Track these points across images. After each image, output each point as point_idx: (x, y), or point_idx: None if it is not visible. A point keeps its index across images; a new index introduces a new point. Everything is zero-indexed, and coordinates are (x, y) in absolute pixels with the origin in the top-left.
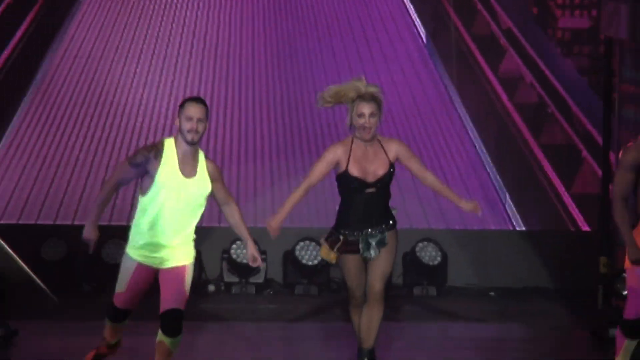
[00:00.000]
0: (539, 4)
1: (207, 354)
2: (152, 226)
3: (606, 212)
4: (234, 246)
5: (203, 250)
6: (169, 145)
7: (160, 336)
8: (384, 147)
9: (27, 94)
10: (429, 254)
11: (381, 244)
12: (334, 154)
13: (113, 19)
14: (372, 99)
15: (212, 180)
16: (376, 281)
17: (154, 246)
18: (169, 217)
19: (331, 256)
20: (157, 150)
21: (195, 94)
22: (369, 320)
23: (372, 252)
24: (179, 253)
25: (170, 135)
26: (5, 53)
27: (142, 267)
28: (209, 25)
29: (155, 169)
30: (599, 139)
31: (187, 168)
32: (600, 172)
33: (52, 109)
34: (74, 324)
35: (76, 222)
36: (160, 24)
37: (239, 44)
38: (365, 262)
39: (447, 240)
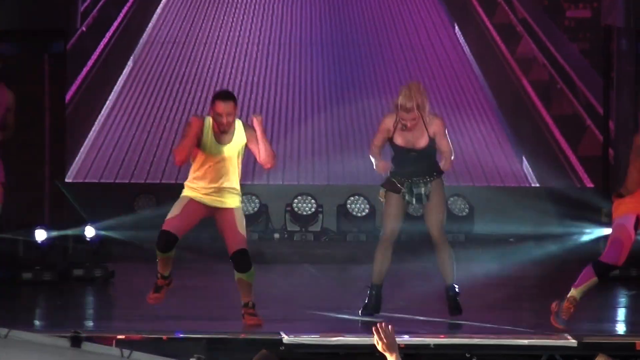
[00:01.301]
0: None
1: (273, 292)
2: (199, 175)
3: (606, 171)
4: (295, 200)
5: (269, 204)
6: (210, 122)
7: (237, 274)
8: (425, 122)
9: (124, 72)
10: (458, 207)
11: (426, 194)
12: (385, 124)
13: (196, 9)
14: (414, 95)
15: (248, 142)
16: (433, 230)
17: (203, 188)
18: (210, 171)
19: (380, 193)
20: (200, 122)
21: (258, 76)
22: (441, 260)
23: (412, 198)
24: (225, 199)
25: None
26: (105, 39)
27: (194, 201)
28: (277, 18)
29: (201, 134)
30: (600, 110)
31: (222, 138)
32: (601, 138)
33: (145, 85)
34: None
35: (163, 181)
36: (236, 13)
37: (302, 35)
38: (414, 207)
39: (474, 195)
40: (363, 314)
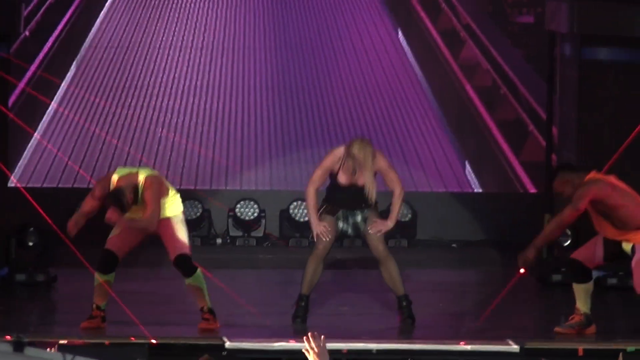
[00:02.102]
0: (493, 3)
1: (216, 297)
2: None
3: (549, 177)
4: (238, 205)
5: (212, 209)
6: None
7: (185, 280)
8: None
9: (67, 77)
10: (401, 212)
11: (363, 220)
12: (330, 162)
13: (139, 14)
14: (366, 150)
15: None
16: (377, 245)
17: None
18: None
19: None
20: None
21: (210, 77)
22: (389, 275)
23: (349, 228)
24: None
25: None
26: (51, 40)
27: None
28: (222, 19)
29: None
30: (543, 115)
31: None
32: (544, 143)
33: (88, 90)
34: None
35: None
36: (179, 18)
37: (245, 40)
38: (337, 232)
39: (417, 200)
40: (295, 323)
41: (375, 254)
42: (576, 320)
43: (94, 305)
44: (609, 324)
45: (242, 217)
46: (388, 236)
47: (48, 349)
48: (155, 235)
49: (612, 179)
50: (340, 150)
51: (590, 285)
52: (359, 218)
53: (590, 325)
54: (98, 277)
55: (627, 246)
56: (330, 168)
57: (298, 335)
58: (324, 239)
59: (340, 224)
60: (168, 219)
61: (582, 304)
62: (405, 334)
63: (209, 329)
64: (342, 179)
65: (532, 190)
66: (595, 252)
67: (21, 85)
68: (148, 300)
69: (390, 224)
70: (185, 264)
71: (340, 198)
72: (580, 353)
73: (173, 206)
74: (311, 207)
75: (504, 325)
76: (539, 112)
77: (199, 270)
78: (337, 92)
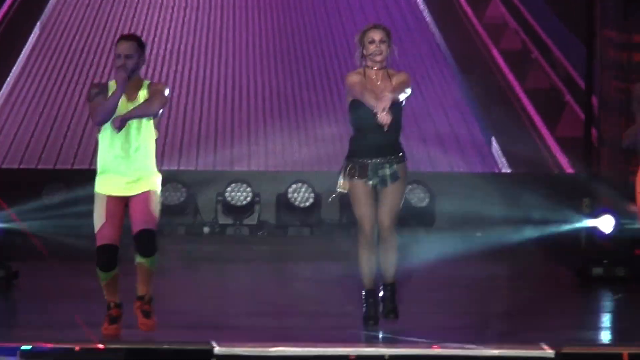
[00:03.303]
0: None
1: (202, 294)
2: (109, 149)
3: (589, 155)
4: (228, 189)
5: (198, 194)
6: (113, 83)
7: (137, 258)
8: (391, 78)
9: (29, 41)
10: (417, 196)
11: (391, 177)
12: (353, 79)
13: None
14: (382, 27)
15: (151, 94)
16: (384, 217)
17: (116, 171)
18: (121, 138)
19: (342, 184)
20: (103, 86)
21: (191, 39)
22: (385, 258)
23: (378, 181)
24: (141, 181)
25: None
26: (8, 2)
27: (111, 199)
28: None
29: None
30: (581, 83)
31: (129, 95)
32: (582, 116)
33: (53, 56)
34: (67, 266)
35: (75, 167)
36: None
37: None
38: (376, 192)
39: (436, 182)
40: (366, 329)
41: (380, 223)
42: None
43: (111, 304)
44: None
45: (233, 202)
46: (402, 223)
47: (8, 356)
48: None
49: None
50: (360, 70)
51: None
52: (387, 172)
53: None
54: (104, 276)
55: None
56: (356, 81)
57: (297, 339)
58: (359, 213)
59: (372, 181)
60: (148, 192)
61: None
62: (411, 337)
63: (150, 329)
64: (369, 98)
65: (569, 170)
66: None
67: None
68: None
69: (389, 95)
70: (150, 241)
71: (366, 138)
72: (626, 358)
73: (158, 180)
74: (360, 91)
75: (538, 327)
76: (577, 80)
77: (157, 254)
78: (342, 57)
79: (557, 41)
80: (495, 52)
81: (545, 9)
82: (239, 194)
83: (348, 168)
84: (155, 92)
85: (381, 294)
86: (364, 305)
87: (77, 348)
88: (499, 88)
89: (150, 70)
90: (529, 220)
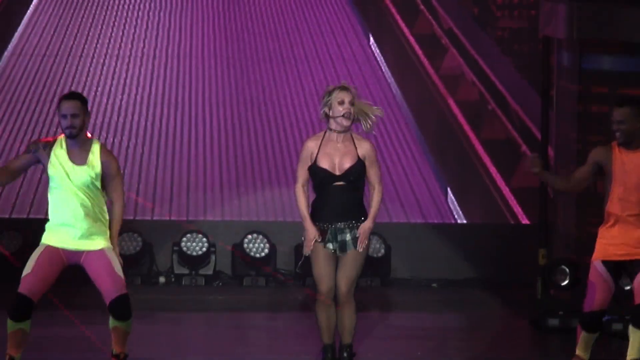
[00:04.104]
0: (479, 4)
1: (159, 343)
2: (56, 209)
3: (545, 205)
4: (184, 239)
5: (154, 243)
6: (60, 140)
7: (113, 322)
8: (355, 143)
9: None
10: (372, 247)
11: (352, 242)
12: (307, 149)
13: (67, 19)
14: (350, 89)
15: (104, 169)
16: (341, 283)
17: (63, 226)
18: (67, 201)
19: (305, 249)
20: (48, 144)
21: (148, 88)
22: (341, 321)
23: (337, 246)
24: (94, 238)
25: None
26: None
27: (50, 249)
28: (166, 24)
29: (46, 160)
30: (538, 134)
31: (77, 158)
32: None
33: (11, 104)
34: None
35: (31, 216)
36: (113, 23)
37: (195, 41)
38: (336, 256)
39: (392, 233)
40: None
41: (338, 289)
42: None
43: (7, 357)
44: None
45: (189, 252)
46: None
47: None
48: (73, 269)
49: None
50: (321, 133)
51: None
52: (347, 237)
53: None
54: (12, 325)
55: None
56: (310, 154)
57: None
58: (317, 274)
59: (330, 245)
60: (102, 251)
61: (586, 352)
62: None
63: None
64: (323, 162)
65: (525, 221)
66: (609, 288)
67: None
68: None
69: (369, 224)
70: (126, 306)
71: (325, 202)
72: None
73: (106, 236)
74: (303, 208)
75: None
76: (533, 131)
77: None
78: (298, 109)
79: (513, 93)
80: (451, 103)
81: (502, 61)
82: (195, 244)
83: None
84: (113, 175)
85: (340, 354)
86: (322, 358)
87: None
88: (455, 138)
89: (107, 119)
90: (485, 271)
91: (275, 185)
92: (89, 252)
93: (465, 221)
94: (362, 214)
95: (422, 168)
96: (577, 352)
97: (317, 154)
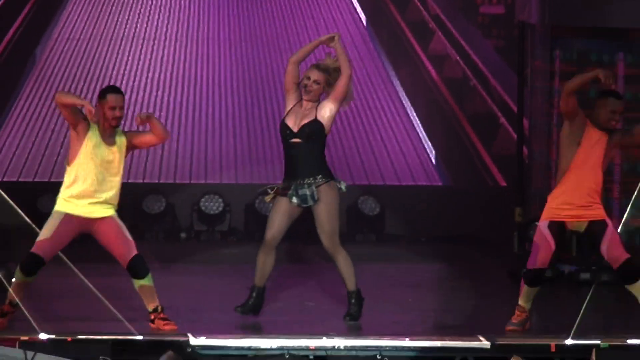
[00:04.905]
0: None
1: (177, 291)
2: (76, 181)
3: (521, 169)
4: (202, 200)
5: (176, 203)
6: (94, 124)
7: (136, 282)
8: (318, 106)
9: (27, 70)
10: (369, 206)
11: (311, 198)
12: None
13: (102, 5)
14: (324, 69)
15: (129, 141)
16: (322, 239)
17: (81, 197)
18: (89, 175)
19: (267, 197)
20: (87, 119)
21: (170, 72)
22: (340, 270)
23: (295, 200)
24: (106, 208)
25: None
26: (10, 33)
27: (68, 217)
28: (188, 10)
29: (83, 133)
30: (514, 108)
31: (108, 141)
32: (515, 136)
33: (48, 84)
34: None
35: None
36: (144, 9)
37: (213, 27)
38: (295, 212)
39: (385, 194)
40: (240, 311)
41: (323, 243)
42: (523, 317)
43: (7, 301)
44: (581, 320)
45: (207, 210)
46: (356, 230)
47: (8, 346)
48: (86, 235)
49: None
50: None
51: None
52: (307, 192)
53: (527, 321)
54: (19, 276)
55: (579, 225)
56: (295, 84)
57: (263, 331)
58: (269, 223)
59: (293, 199)
60: (110, 218)
61: (528, 303)
62: (364, 329)
63: (173, 329)
64: (289, 120)
65: (503, 183)
66: (550, 247)
67: None
68: (107, 296)
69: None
70: (142, 265)
71: (290, 163)
72: (553, 349)
73: (115, 204)
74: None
75: (475, 321)
76: (510, 105)
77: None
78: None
79: (492, 71)
80: (438, 79)
81: (483, 43)
82: (212, 204)
83: (274, 186)
84: (140, 134)
85: (349, 300)
86: (248, 295)
87: (68, 339)
88: (441, 111)
89: (134, 96)
90: (468, 228)
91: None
92: (101, 219)
93: (450, 184)
94: (322, 171)
95: (412, 137)
96: (520, 302)
97: (288, 113)
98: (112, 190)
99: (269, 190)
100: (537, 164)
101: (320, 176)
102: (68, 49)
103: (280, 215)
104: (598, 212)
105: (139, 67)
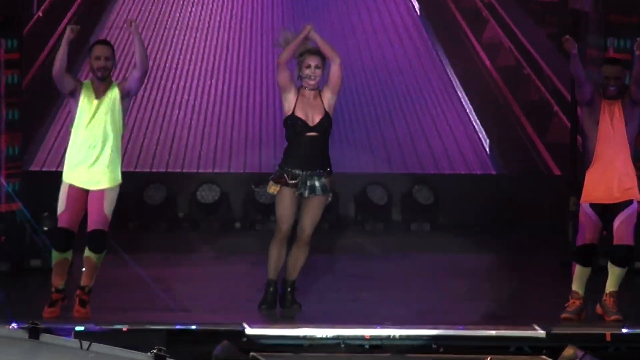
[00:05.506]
0: None
1: (232, 281)
2: (82, 141)
3: (575, 158)
4: (256, 189)
5: (230, 193)
6: (87, 81)
7: (87, 252)
8: (321, 96)
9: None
10: (423, 195)
11: (321, 188)
12: (290, 91)
13: None
14: (318, 53)
15: (124, 86)
16: (307, 226)
17: (83, 163)
18: (90, 132)
19: (272, 188)
20: (78, 81)
21: (219, 61)
22: (295, 259)
23: (307, 191)
24: (101, 176)
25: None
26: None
27: (73, 188)
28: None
29: (79, 93)
30: (568, 96)
31: (98, 93)
32: (569, 124)
33: None
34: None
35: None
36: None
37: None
38: (300, 200)
39: (439, 182)
40: (262, 310)
41: (300, 232)
42: (578, 305)
43: (53, 289)
44: (636, 308)
45: (261, 200)
46: (410, 219)
47: (64, 336)
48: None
49: None
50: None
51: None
52: (316, 183)
53: (583, 310)
54: (57, 255)
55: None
56: (290, 95)
57: (319, 321)
58: (281, 214)
59: (301, 190)
60: (104, 192)
61: (581, 288)
62: (419, 319)
63: (84, 317)
64: (300, 113)
65: (557, 172)
66: (596, 224)
67: (35, 67)
68: (162, 286)
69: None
70: (100, 240)
71: (297, 151)
72: (608, 338)
73: (115, 173)
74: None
75: (530, 310)
76: (564, 93)
77: (105, 250)
78: (357, 74)
79: (546, 59)
80: (491, 68)
81: (536, 31)
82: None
83: (282, 176)
84: (130, 76)
85: (284, 287)
86: (265, 291)
87: (124, 329)
88: (495, 99)
89: (188, 83)
90: (522, 217)
91: (338, 142)
92: (94, 191)
93: (504, 172)
94: (329, 163)
95: (466, 126)
96: (573, 287)
97: (295, 106)
98: (111, 151)
99: (273, 182)
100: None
101: (328, 168)
102: (122, 37)
103: (290, 207)
104: (629, 192)
105: (192, 55)
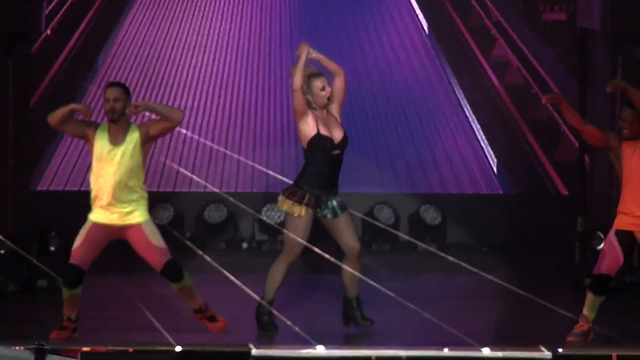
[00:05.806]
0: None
1: (239, 301)
2: (99, 177)
3: (583, 178)
4: (264, 209)
5: (237, 213)
6: (104, 124)
7: (175, 286)
8: (332, 113)
9: (90, 76)
10: (430, 215)
11: (340, 207)
12: (308, 113)
13: (161, 14)
14: (320, 73)
15: (146, 133)
16: (355, 242)
17: (105, 206)
18: (107, 179)
19: (300, 210)
20: (91, 123)
21: (227, 81)
22: (353, 275)
23: (330, 214)
24: (131, 213)
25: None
26: (73, 39)
27: (96, 226)
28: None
29: (92, 139)
30: None
31: (114, 138)
32: (577, 144)
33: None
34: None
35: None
36: (195, 19)
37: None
38: (324, 224)
39: (446, 203)
40: (274, 329)
41: (349, 247)
42: (585, 328)
43: (65, 317)
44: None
45: (268, 220)
46: (418, 239)
47: (70, 357)
48: (122, 241)
49: None
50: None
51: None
52: (335, 203)
53: (590, 333)
54: (67, 291)
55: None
56: (310, 116)
57: (326, 342)
58: (301, 238)
59: (324, 211)
60: (138, 226)
61: (592, 313)
62: (426, 340)
63: (224, 327)
64: (324, 131)
65: (564, 192)
66: (617, 256)
67: (43, 85)
68: (169, 305)
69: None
70: (174, 270)
71: (322, 170)
72: (614, 359)
73: (143, 209)
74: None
75: (536, 331)
76: None
77: (185, 269)
78: (365, 93)
79: (554, 78)
80: (499, 86)
81: (544, 50)
82: (274, 213)
83: (305, 196)
84: (154, 122)
85: (349, 305)
86: (259, 320)
87: (130, 350)
88: (502, 118)
89: (196, 102)
90: (529, 237)
91: (349, 161)
92: (130, 227)
93: (511, 192)
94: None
95: (474, 145)
96: (584, 311)
97: (317, 125)
98: (133, 194)
99: (297, 203)
100: (599, 173)
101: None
102: (130, 55)
103: (309, 230)
104: None
105: (201, 73)
